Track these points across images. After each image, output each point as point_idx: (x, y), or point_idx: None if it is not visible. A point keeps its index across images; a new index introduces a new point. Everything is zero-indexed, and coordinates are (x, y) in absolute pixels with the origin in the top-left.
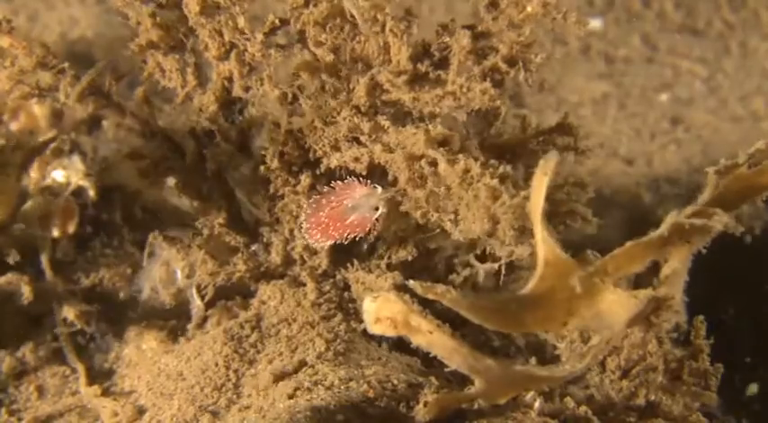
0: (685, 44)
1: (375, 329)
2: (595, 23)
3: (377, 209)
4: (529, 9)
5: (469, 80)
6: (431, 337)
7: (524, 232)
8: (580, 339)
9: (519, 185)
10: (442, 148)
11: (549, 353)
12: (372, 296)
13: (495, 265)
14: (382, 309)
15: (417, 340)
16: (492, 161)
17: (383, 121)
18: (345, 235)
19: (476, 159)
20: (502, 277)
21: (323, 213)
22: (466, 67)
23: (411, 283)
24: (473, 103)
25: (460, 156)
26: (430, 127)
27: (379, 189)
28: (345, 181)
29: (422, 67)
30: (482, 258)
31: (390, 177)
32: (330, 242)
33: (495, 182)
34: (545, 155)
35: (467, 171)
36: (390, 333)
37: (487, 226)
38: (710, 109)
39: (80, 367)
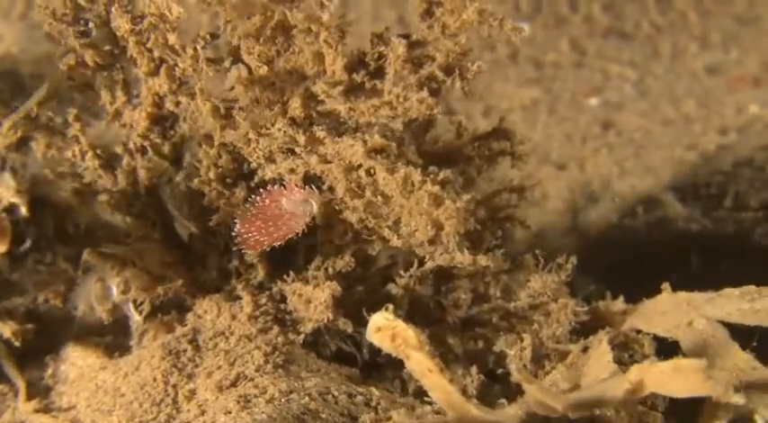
0: (614, 48)
1: (373, 339)
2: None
3: (311, 213)
4: (464, 17)
5: (406, 89)
6: (427, 373)
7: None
8: (531, 344)
9: (457, 192)
10: (379, 157)
11: (490, 361)
12: (388, 317)
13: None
14: (395, 335)
15: (411, 367)
16: (432, 167)
17: (319, 132)
18: (277, 237)
19: (416, 166)
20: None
21: (254, 216)
22: (402, 76)
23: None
24: (410, 112)
25: (399, 164)
26: (367, 137)
27: (316, 194)
28: (281, 185)
29: (357, 78)
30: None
31: (326, 187)
32: (260, 246)
33: (436, 188)
34: None
35: (407, 179)
36: (388, 350)
37: (431, 232)
38: (641, 112)
39: (21, 383)
